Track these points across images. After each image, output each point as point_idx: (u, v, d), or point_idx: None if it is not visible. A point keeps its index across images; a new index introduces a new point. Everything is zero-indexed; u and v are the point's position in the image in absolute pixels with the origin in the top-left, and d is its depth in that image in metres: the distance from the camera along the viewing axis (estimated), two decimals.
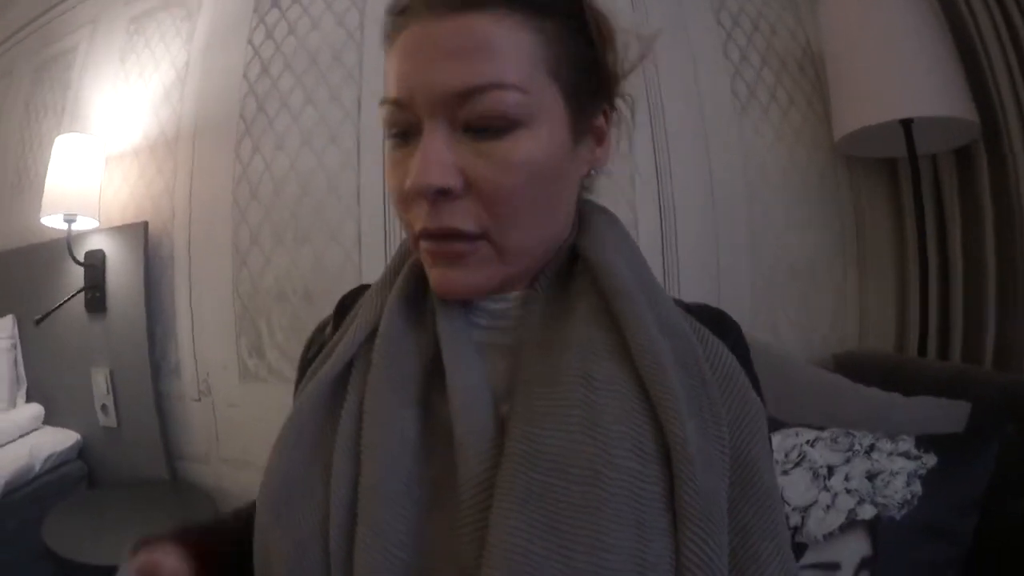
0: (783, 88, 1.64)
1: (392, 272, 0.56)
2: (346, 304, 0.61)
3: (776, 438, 1.07)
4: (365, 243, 1.63)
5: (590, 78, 0.51)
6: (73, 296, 1.87)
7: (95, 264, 1.87)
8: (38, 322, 1.84)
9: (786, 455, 1.04)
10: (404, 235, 0.53)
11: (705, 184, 1.60)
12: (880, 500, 0.92)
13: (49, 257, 1.94)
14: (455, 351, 0.48)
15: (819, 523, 0.93)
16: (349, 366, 0.51)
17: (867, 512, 0.92)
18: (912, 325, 1.53)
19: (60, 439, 1.84)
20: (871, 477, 0.95)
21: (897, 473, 0.94)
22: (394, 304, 0.52)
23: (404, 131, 0.48)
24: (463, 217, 0.46)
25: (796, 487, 0.98)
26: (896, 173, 1.61)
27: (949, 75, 1.31)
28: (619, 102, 0.57)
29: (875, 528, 0.91)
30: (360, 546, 0.42)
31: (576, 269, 0.52)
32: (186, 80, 1.87)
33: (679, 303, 0.54)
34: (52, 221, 1.80)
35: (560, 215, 0.52)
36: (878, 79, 1.33)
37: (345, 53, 1.70)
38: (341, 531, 0.44)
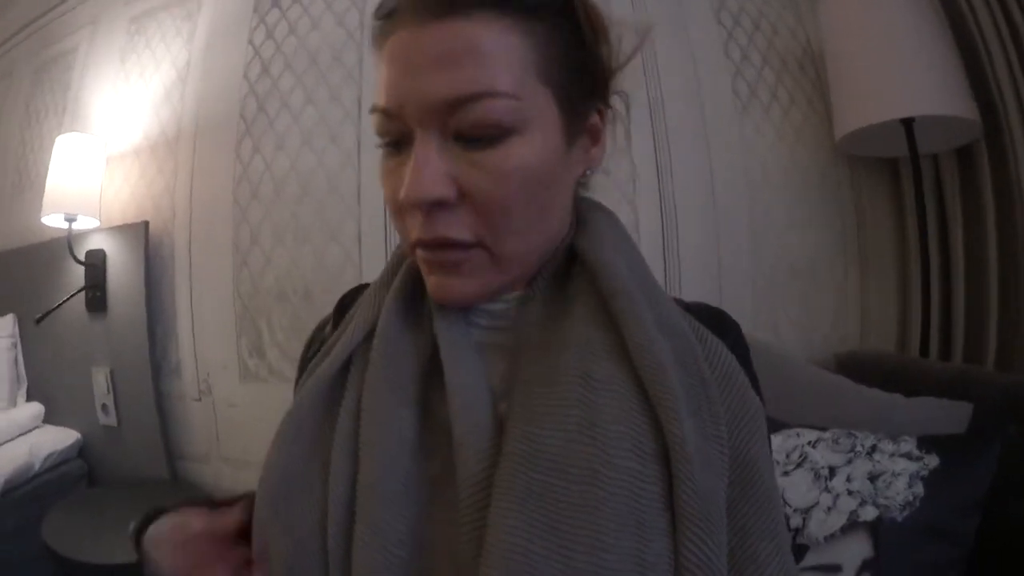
0: (784, 87, 1.64)
1: (390, 271, 0.56)
2: (346, 303, 0.61)
3: (777, 439, 1.06)
4: (365, 243, 1.63)
5: (583, 77, 0.50)
6: (74, 295, 1.87)
7: (96, 263, 1.87)
8: (38, 321, 1.84)
9: (787, 456, 1.03)
10: None
11: (706, 184, 1.60)
12: (882, 501, 0.92)
13: (50, 256, 1.94)
14: (453, 351, 0.48)
15: (820, 524, 0.93)
16: (347, 364, 0.51)
17: (869, 513, 0.91)
18: (914, 325, 1.52)
19: (60, 438, 1.84)
20: (873, 478, 0.95)
21: (899, 474, 0.94)
22: (391, 304, 0.52)
23: (396, 140, 0.48)
24: (457, 227, 0.46)
25: (797, 488, 0.98)
26: (897, 172, 1.60)
27: (950, 74, 1.31)
28: (614, 99, 0.56)
29: (877, 529, 0.90)
30: (359, 544, 0.42)
31: (574, 269, 0.52)
32: (187, 80, 1.87)
33: (678, 302, 0.54)
34: (53, 220, 1.81)
35: (556, 218, 0.51)
36: (879, 78, 1.33)
37: (345, 53, 1.70)
38: (339, 529, 0.44)
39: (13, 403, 1.94)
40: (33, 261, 2.03)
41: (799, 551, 0.93)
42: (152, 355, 1.80)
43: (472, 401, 0.45)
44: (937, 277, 1.48)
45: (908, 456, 0.96)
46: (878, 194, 1.62)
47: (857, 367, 1.36)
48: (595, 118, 0.52)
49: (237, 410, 1.74)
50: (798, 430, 1.07)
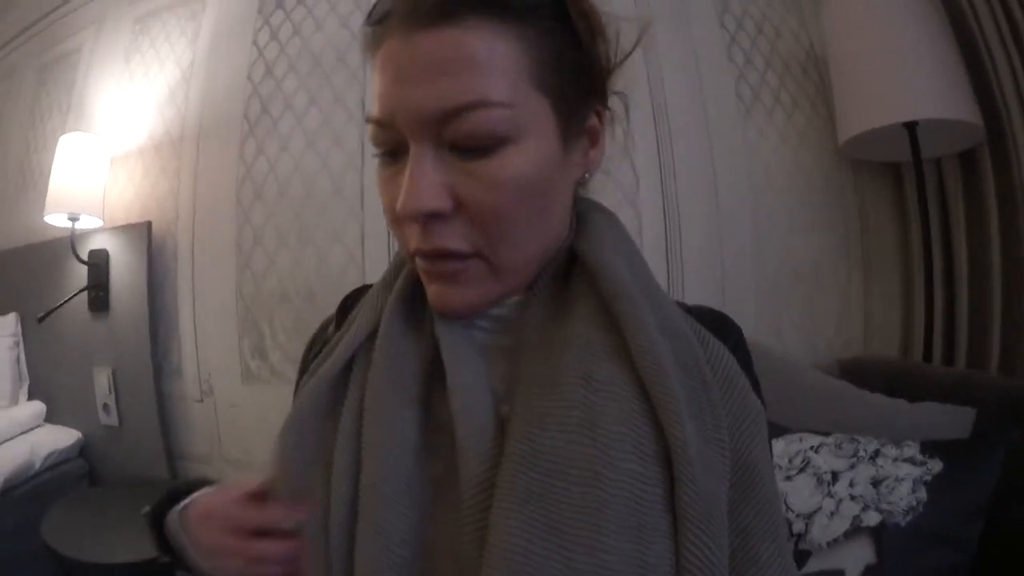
0: (787, 91, 1.64)
1: (393, 272, 0.56)
2: (349, 303, 0.61)
3: (780, 444, 1.06)
4: (368, 244, 1.64)
5: (580, 79, 0.49)
6: (76, 295, 1.87)
7: (99, 263, 1.87)
8: (41, 320, 1.84)
9: (790, 461, 1.03)
10: None
11: (709, 187, 1.60)
12: (885, 506, 0.92)
13: (53, 256, 1.95)
14: (454, 352, 0.48)
15: (823, 530, 0.93)
16: (350, 364, 0.51)
17: (872, 519, 0.91)
18: (917, 329, 1.52)
19: (61, 437, 1.84)
20: (876, 483, 0.94)
21: (902, 479, 0.93)
22: (394, 305, 0.52)
23: (392, 149, 0.47)
24: (454, 237, 0.46)
25: (800, 493, 0.98)
26: (901, 177, 1.60)
27: (953, 78, 1.31)
28: (613, 99, 0.55)
29: (880, 535, 0.90)
30: (362, 544, 0.42)
31: (575, 270, 0.52)
32: (190, 80, 1.88)
33: (680, 305, 0.54)
34: (56, 220, 1.81)
35: (554, 223, 0.51)
36: (882, 82, 1.33)
37: (349, 54, 1.70)
38: (342, 529, 0.44)
39: (15, 401, 1.94)
40: (36, 260, 2.03)
41: (801, 556, 0.93)
42: (154, 355, 1.81)
43: (473, 402, 0.45)
44: (940, 281, 1.48)
45: (911, 461, 0.96)
46: (881, 198, 1.62)
47: (860, 372, 1.36)
48: (593, 120, 0.52)
49: (239, 411, 1.74)
50: (801, 435, 1.07)
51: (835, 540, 0.92)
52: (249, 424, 1.71)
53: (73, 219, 1.77)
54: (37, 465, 1.71)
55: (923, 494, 0.92)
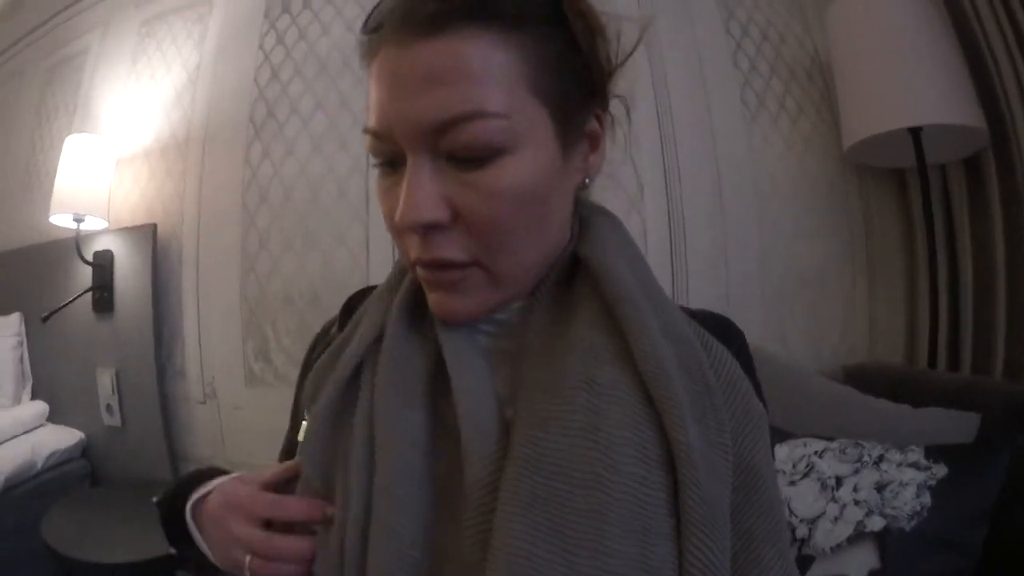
0: (792, 97, 1.64)
1: (397, 275, 0.57)
2: (352, 304, 0.61)
3: (784, 449, 1.06)
4: (373, 248, 1.64)
5: (578, 83, 0.49)
6: (80, 295, 1.88)
7: (103, 264, 1.88)
8: (45, 319, 1.85)
9: (794, 466, 1.03)
10: None
11: (714, 193, 1.60)
12: (889, 511, 0.91)
13: (57, 256, 1.95)
14: (458, 356, 0.48)
15: (827, 535, 0.93)
16: (359, 369, 0.51)
17: (876, 524, 0.91)
18: (922, 334, 1.52)
19: (63, 437, 1.85)
20: (880, 488, 0.94)
21: (907, 484, 0.93)
22: (399, 308, 0.52)
23: (390, 159, 0.47)
24: (453, 247, 0.46)
25: (804, 498, 0.98)
26: (905, 182, 1.60)
27: (957, 83, 1.31)
28: (615, 102, 0.54)
29: (884, 540, 0.90)
30: (375, 545, 0.43)
31: (578, 274, 0.52)
32: (197, 83, 1.88)
33: (683, 309, 0.54)
34: (61, 220, 1.81)
35: (554, 230, 0.51)
36: (886, 87, 1.33)
37: (355, 59, 1.68)
38: (356, 530, 0.44)
39: (18, 401, 1.94)
40: (41, 260, 2.04)
41: (805, 562, 0.93)
42: (158, 357, 1.81)
43: (477, 406, 0.46)
44: (945, 287, 1.47)
45: (916, 466, 0.96)
46: (886, 204, 1.62)
47: (865, 378, 1.36)
48: (593, 124, 0.51)
49: (242, 413, 1.74)
50: (805, 440, 1.07)
51: (839, 545, 0.91)
52: (252, 427, 1.71)
53: (78, 220, 1.77)
54: (39, 465, 1.71)
55: (927, 499, 0.91)
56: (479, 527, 0.41)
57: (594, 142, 0.52)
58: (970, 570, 0.91)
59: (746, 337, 0.58)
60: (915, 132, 1.32)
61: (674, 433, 0.42)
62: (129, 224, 1.91)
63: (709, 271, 1.58)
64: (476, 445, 0.43)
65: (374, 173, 0.49)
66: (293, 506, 0.49)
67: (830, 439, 1.05)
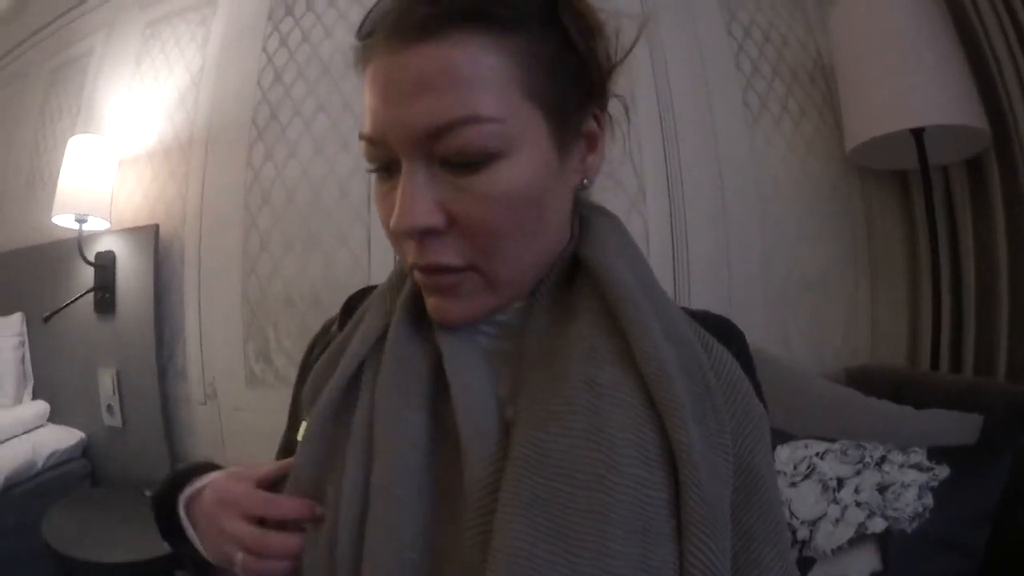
0: (794, 99, 1.64)
1: (399, 274, 0.57)
2: (352, 304, 0.61)
3: (785, 450, 1.06)
4: (374, 249, 1.64)
5: (575, 84, 0.48)
6: (82, 296, 1.88)
7: (105, 265, 1.88)
8: (46, 319, 1.85)
9: (795, 467, 1.02)
10: None
11: (717, 196, 1.60)
12: (891, 513, 0.91)
13: (59, 257, 1.95)
14: (457, 357, 0.48)
15: (828, 537, 0.92)
16: (360, 369, 0.51)
17: (877, 525, 0.90)
18: (924, 336, 1.51)
19: (64, 437, 1.85)
20: (882, 489, 0.94)
21: (909, 485, 0.93)
22: (401, 310, 0.52)
23: (385, 165, 0.47)
24: (449, 252, 0.46)
25: (805, 500, 0.97)
26: (908, 184, 1.60)
27: (960, 84, 1.31)
28: (614, 101, 0.54)
29: (886, 542, 0.89)
30: (372, 546, 0.42)
31: (578, 275, 0.52)
32: (200, 85, 1.89)
33: (684, 310, 0.54)
34: (63, 221, 1.82)
35: (551, 233, 0.50)
36: (889, 89, 1.33)
37: None
38: (349, 531, 0.44)
39: (19, 401, 1.94)
40: (43, 260, 2.04)
41: (806, 564, 0.92)
42: (159, 357, 1.81)
43: (476, 405, 0.45)
44: (947, 289, 1.47)
45: (918, 467, 0.95)
46: (888, 206, 1.62)
47: (867, 380, 1.35)
48: (591, 124, 0.51)
49: (243, 415, 1.74)
50: (806, 441, 1.06)
51: (840, 547, 0.91)
52: (253, 428, 1.71)
53: (81, 220, 1.78)
54: (39, 464, 1.71)
55: (930, 500, 0.91)
56: (479, 528, 0.41)
57: (592, 143, 0.52)
58: (972, 572, 0.90)
59: (747, 339, 0.57)
60: (917, 133, 1.32)
61: (676, 434, 0.42)
62: (131, 225, 1.92)
63: (711, 274, 1.58)
64: (476, 446, 0.43)
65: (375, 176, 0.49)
66: (286, 504, 0.49)
67: (832, 440, 1.05)
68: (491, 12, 0.43)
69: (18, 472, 1.63)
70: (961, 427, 1.02)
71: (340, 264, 1.66)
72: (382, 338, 0.51)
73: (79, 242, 1.81)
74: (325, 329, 0.65)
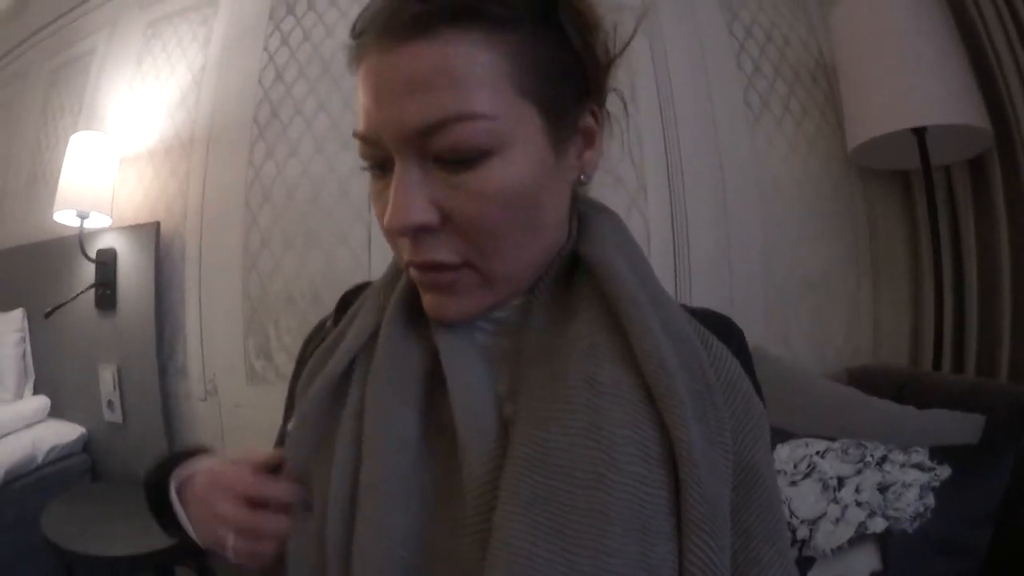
0: (796, 99, 1.64)
1: (394, 271, 0.57)
2: (348, 300, 0.61)
3: (785, 449, 1.05)
4: (375, 247, 1.64)
5: (570, 81, 0.48)
6: (83, 292, 1.88)
7: (106, 262, 1.89)
8: (47, 315, 1.85)
9: (795, 466, 1.02)
10: None
11: (718, 195, 1.60)
12: (892, 513, 0.91)
13: (61, 253, 1.96)
14: (455, 354, 0.48)
15: (828, 536, 0.92)
16: (352, 364, 0.51)
17: (878, 525, 0.90)
18: (926, 337, 1.51)
19: (65, 432, 1.85)
20: (883, 489, 0.93)
21: (910, 485, 0.92)
22: (395, 306, 0.52)
23: (380, 163, 0.47)
24: (444, 249, 0.46)
25: (805, 499, 0.97)
26: (910, 184, 1.60)
27: (962, 83, 1.30)
28: (612, 97, 0.54)
29: (886, 542, 0.89)
30: (360, 543, 0.42)
31: (578, 272, 0.51)
32: (201, 84, 1.89)
33: (684, 307, 0.53)
34: (65, 217, 1.82)
35: (548, 230, 0.50)
36: (891, 88, 1.33)
37: None
38: (338, 527, 0.44)
39: (20, 396, 1.94)
40: (44, 257, 2.04)
41: (806, 563, 0.92)
42: (159, 354, 1.81)
43: (474, 402, 0.45)
44: (950, 289, 1.47)
45: (919, 467, 0.95)
46: (890, 206, 1.62)
47: (869, 380, 1.35)
48: (588, 120, 0.51)
49: (243, 411, 1.74)
50: (807, 440, 1.06)
51: (840, 547, 0.90)
52: (253, 424, 1.71)
53: (82, 217, 1.78)
54: (39, 459, 1.71)
55: (931, 500, 0.91)
56: (477, 526, 0.41)
57: (589, 139, 0.51)
58: (973, 573, 0.89)
59: (748, 338, 0.57)
60: (920, 133, 1.32)
61: (676, 432, 0.42)
62: (133, 222, 1.92)
63: (712, 273, 1.58)
64: (474, 443, 0.43)
65: None
66: (280, 485, 0.49)
67: (832, 439, 1.05)
68: (483, 9, 0.43)
69: (18, 466, 1.63)
70: (963, 427, 1.02)
71: (340, 262, 1.66)
72: (375, 334, 0.51)
73: (80, 239, 1.82)
74: (321, 325, 0.65)
